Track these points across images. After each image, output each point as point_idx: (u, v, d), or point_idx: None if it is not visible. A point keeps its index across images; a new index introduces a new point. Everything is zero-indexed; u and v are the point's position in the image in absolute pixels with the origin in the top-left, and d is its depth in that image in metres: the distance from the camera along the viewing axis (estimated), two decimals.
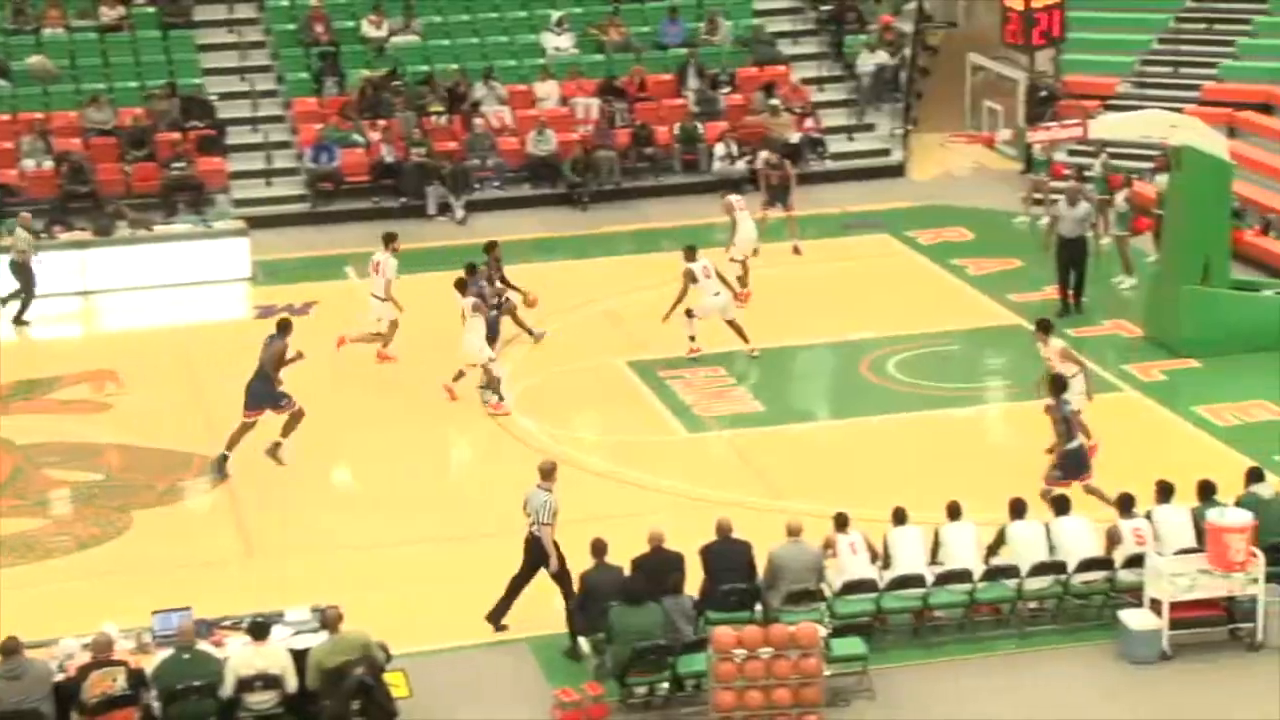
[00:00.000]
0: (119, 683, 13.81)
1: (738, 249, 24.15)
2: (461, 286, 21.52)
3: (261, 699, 14.15)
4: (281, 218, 28.57)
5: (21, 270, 24.95)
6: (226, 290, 26.04)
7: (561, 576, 15.79)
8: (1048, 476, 17.56)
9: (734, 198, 24.84)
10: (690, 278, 22.06)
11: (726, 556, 15.49)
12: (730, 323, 22.23)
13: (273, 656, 14.20)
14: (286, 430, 19.70)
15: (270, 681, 14.13)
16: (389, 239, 23.00)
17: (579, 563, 15.54)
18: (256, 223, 27.54)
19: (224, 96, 30.43)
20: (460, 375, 21.20)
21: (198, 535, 18.42)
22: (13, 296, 24.99)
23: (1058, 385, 17.97)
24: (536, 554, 15.88)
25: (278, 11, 32.12)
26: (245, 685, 14.09)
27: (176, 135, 29.08)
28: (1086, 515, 16.25)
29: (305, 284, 25.91)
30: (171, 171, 28.59)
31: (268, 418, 19.62)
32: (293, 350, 19.69)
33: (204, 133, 29.42)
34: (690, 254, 22.26)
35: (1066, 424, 17.62)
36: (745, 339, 22.25)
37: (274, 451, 19.65)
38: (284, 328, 19.92)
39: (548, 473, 16.12)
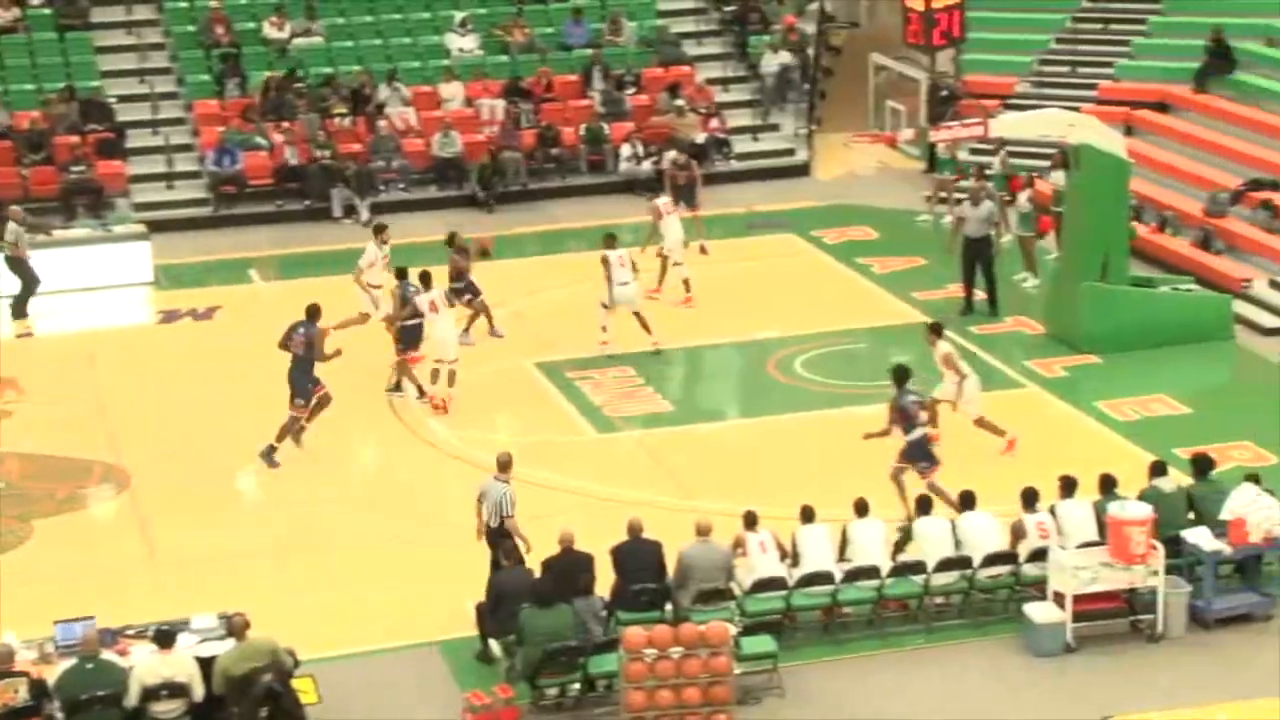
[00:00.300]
0: (20, 694, 13.60)
1: (674, 251, 24.12)
2: (426, 280, 21.43)
3: (167, 708, 13.99)
4: (183, 221, 28.26)
5: (17, 264, 24.88)
6: (128, 295, 25.72)
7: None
8: (897, 467, 17.78)
9: (660, 201, 24.85)
10: (604, 263, 22.08)
11: (637, 556, 15.52)
12: (636, 314, 22.30)
13: (179, 665, 14.05)
14: (312, 415, 19.84)
15: (176, 690, 13.97)
16: (378, 230, 23.24)
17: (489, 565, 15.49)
18: (158, 226, 27.24)
19: (123, 99, 30.07)
20: (435, 375, 21.04)
21: (101, 543, 18.20)
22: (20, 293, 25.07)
23: (900, 375, 18.06)
24: (492, 540, 15.85)
25: (177, 13, 31.77)
26: (151, 694, 13.93)
27: (75, 139, 28.68)
28: (992, 509, 16.42)
29: (209, 288, 25.66)
30: (70, 175, 28.20)
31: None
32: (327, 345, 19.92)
33: (103, 136, 29.06)
34: (609, 242, 22.38)
35: (904, 414, 17.76)
36: (649, 331, 22.32)
37: (268, 455, 19.63)
38: (313, 314, 19.92)
39: (505, 465, 16.21)
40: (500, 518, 15.98)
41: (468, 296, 22.99)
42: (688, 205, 26.11)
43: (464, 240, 23.47)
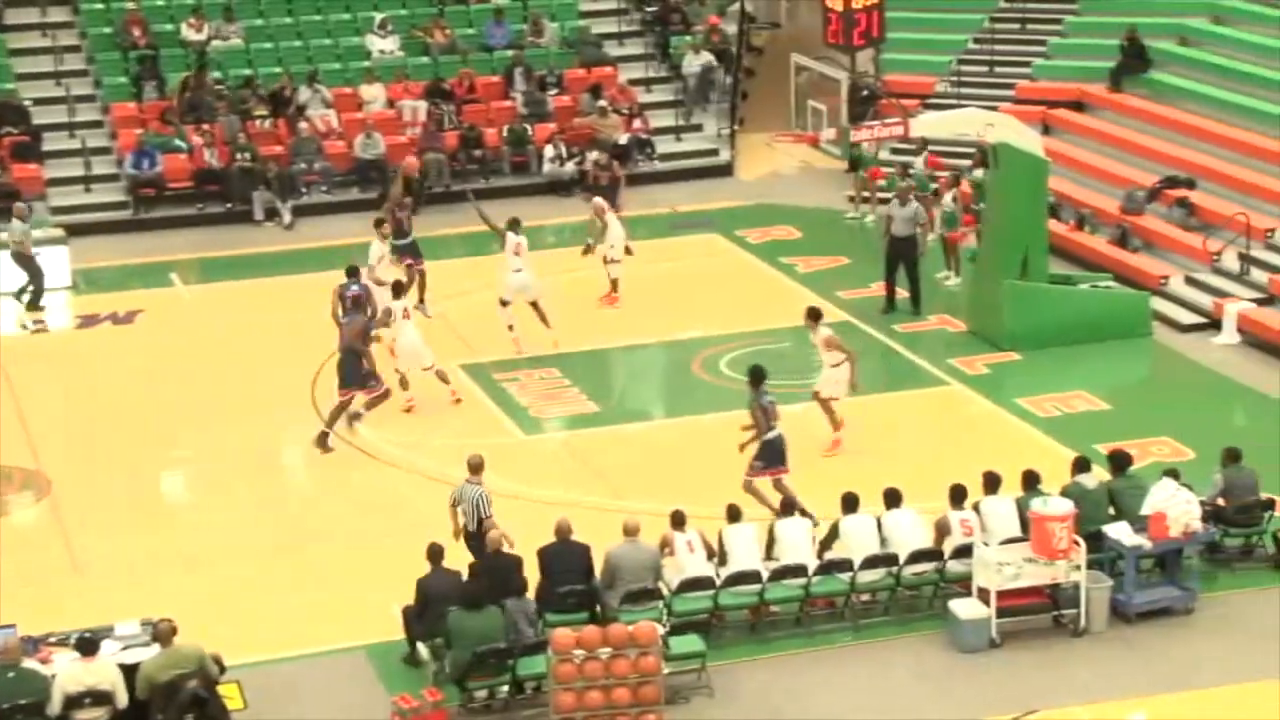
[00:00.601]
0: None
1: (614, 250, 24.15)
2: (399, 289, 21.44)
3: (91, 716, 13.86)
4: (102, 225, 27.95)
5: (24, 260, 25.00)
6: (46, 299, 25.39)
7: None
8: (750, 468, 17.82)
9: (600, 200, 24.83)
10: (501, 241, 22.13)
11: (564, 558, 15.51)
12: (534, 304, 22.33)
13: (102, 672, 13.92)
14: (371, 405, 20.01)
15: (100, 698, 13.85)
16: (378, 224, 23.28)
17: (417, 568, 15.42)
18: (76, 230, 26.96)
19: (39, 102, 29.70)
20: (404, 382, 20.94)
21: (21, 551, 17.95)
22: (24, 289, 25.12)
23: (755, 376, 18.10)
24: (478, 547, 15.85)
25: (93, 15, 31.42)
26: (74, 702, 13.80)
27: None
28: (916, 506, 16.55)
29: (129, 292, 25.41)
30: None
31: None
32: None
33: (18, 139, 28.71)
34: (512, 225, 22.52)
35: (765, 414, 17.84)
36: (547, 324, 22.34)
37: (322, 441, 19.79)
38: (358, 303, 20.22)
39: (476, 468, 16.34)
40: (479, 519, 16.02)
41: (408, 260, 22.79)
42: (611, 206, 26.11)
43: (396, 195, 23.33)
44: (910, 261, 23.78)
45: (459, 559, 15.56)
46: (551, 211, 28.51)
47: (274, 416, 21.04)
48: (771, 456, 17.74)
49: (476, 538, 15.99)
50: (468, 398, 21.47)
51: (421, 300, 23.33)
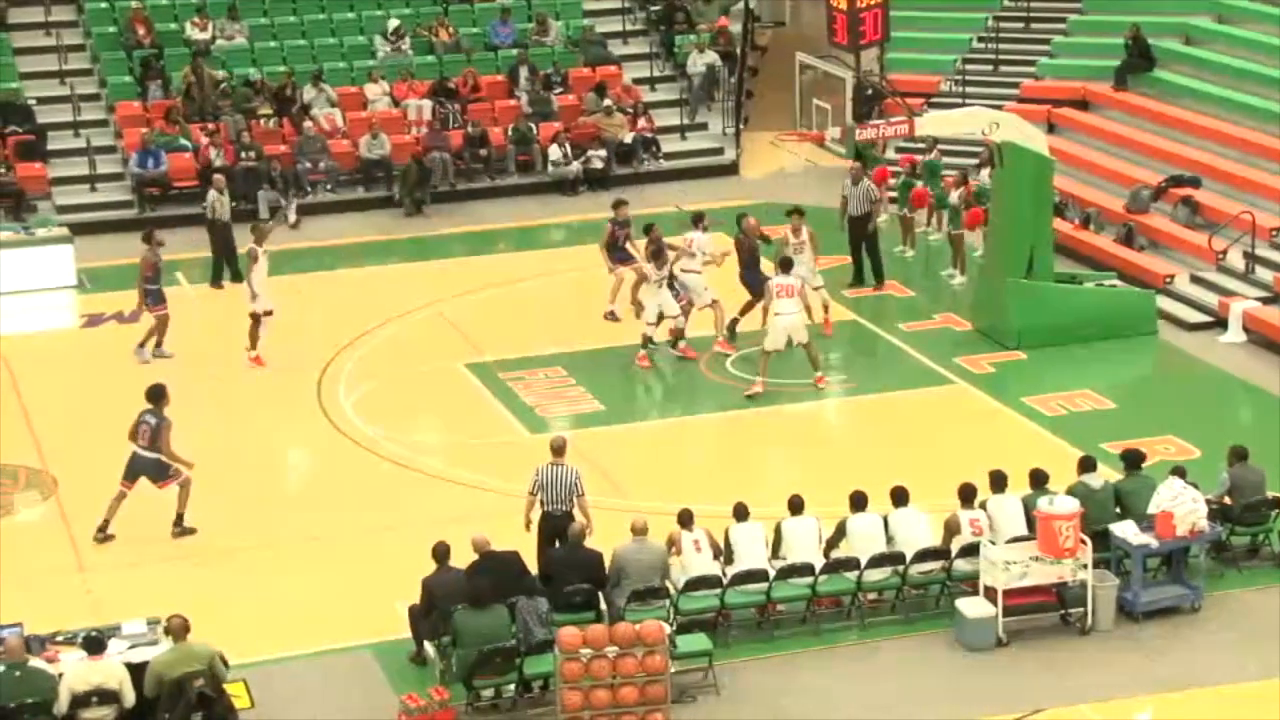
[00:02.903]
0: None
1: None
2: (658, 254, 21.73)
3: (97, 715, 13.87)
4: (107, 224, 27.94)
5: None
6: (51, 299, 25.42)
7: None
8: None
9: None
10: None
11: (574, 567, 15.49)
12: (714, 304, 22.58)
13: (109, 671, 13.93)
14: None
15: (106, 697, 13.85)
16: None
17: (423, 567, 15.42)
18: (81, 229, 26.98)
19: (43, 101, 29.70)
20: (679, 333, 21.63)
21: (28, 549, 17.96)
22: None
23: (153, 396, 18.12)
24: (555, 529, 15.96)
25: (97, 14, 31.42)
26: (81, 701, 13.81)
27: None
28: (922, 505, 16.53)
29: (134, 291, 25.33)
30: None
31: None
32: None
33: (23, 138, 28.71)
34: (697, 220, 22.92)
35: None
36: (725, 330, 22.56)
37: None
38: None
39: (561, 449, 16.49)
40: (574, 499, 16.17)
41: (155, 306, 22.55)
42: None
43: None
44: (870, 238, 24.69)
45: (463, 558, 15.53)
46: (556, 210, 28.53)
47: (280, 415, 21.04)
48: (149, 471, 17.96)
49: (566, 519, 16.05)
50: (472, 397, 21.47)
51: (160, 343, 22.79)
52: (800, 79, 32.86)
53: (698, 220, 23.04)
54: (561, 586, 15.37)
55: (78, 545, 17.97)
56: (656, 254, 21.97)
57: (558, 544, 15.89)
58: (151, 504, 18.98)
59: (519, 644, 14.64)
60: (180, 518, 18.12)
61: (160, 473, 17.98)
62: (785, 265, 21.45)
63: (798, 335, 20.94)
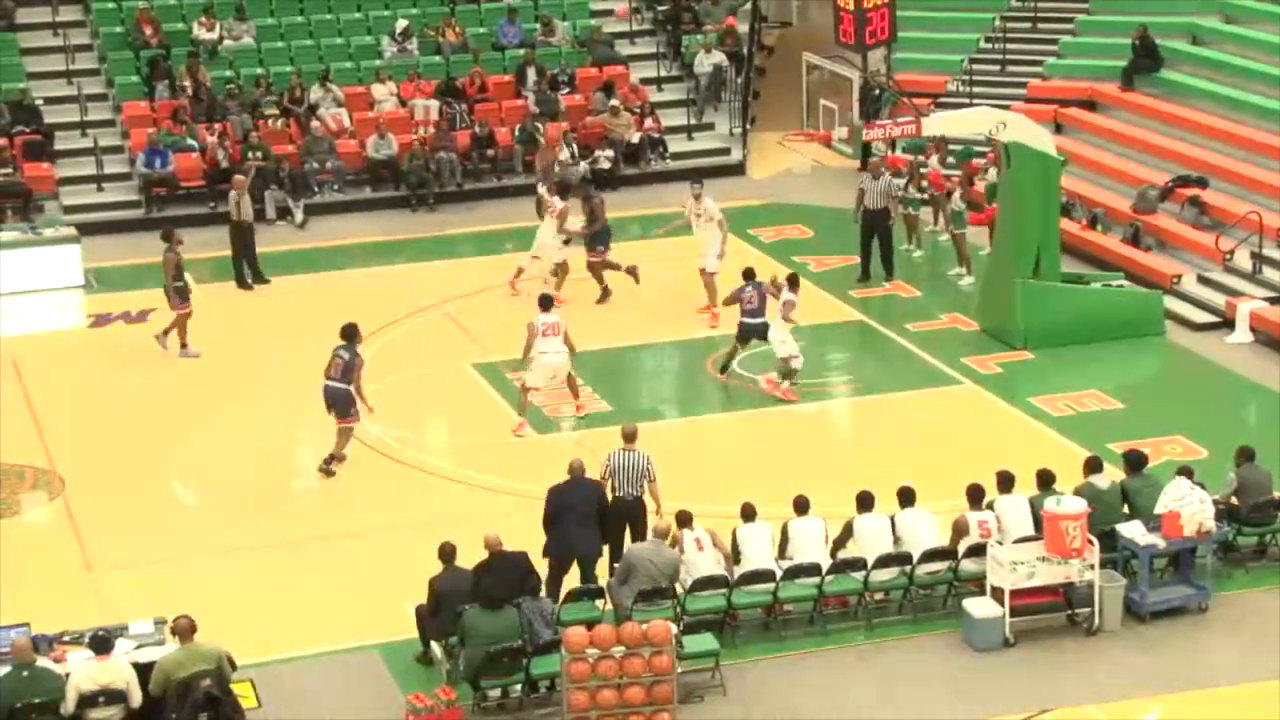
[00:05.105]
0: None
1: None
2: (794, 283, 21.53)
3: (105, 715, 13.86)
4: (114, 224, 27.97)
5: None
6: (59, 299, 25.45)
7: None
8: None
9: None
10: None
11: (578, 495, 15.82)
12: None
13: (116, 671, 13.93)
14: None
15: (114, 697, 13.86)
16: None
17: (430, 567, 15.42)
18: (88, 229, 26.99)
19: (50, 101, 29.72)
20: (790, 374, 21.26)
21: (34, 549, 17.98)
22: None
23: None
24: (632, 513, 16.27)
25: (104, 14, 31.44)
26: (88, 701, 13.80)
27: (2, 141, 28.32)
28: (929, 505, 16.53)
29: (141, 291, 25.39)
30: None
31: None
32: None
33: (30, 138, 28.73)
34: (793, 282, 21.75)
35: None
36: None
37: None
38: None
39: (631, 435, 16.77)
40: (645, 484, 16.42)
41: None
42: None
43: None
44: (884, 232, 24.79)
45: (472, 558, 15.53)
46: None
47: (287, 415, 21.04)
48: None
49: (637, 505, 16.36)
50: (479, 396, 21.48)
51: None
52: (807, 79, 32.92)
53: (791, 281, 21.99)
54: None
55: (85, 545, 17.98)
56: (562, 190, 23.64)
57: (628, 531, 16.30)
58: (155, 505, 19.01)
59: (525, 644, 14.64)
60: (332, 458, 19.22)
61: (346, 407, 19.13)
62: (545, 304, 20.73)
63: (561, 374, 20.62)
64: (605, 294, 24.25)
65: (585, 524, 15.98)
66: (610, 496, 16.47)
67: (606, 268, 24.37)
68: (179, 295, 22.63)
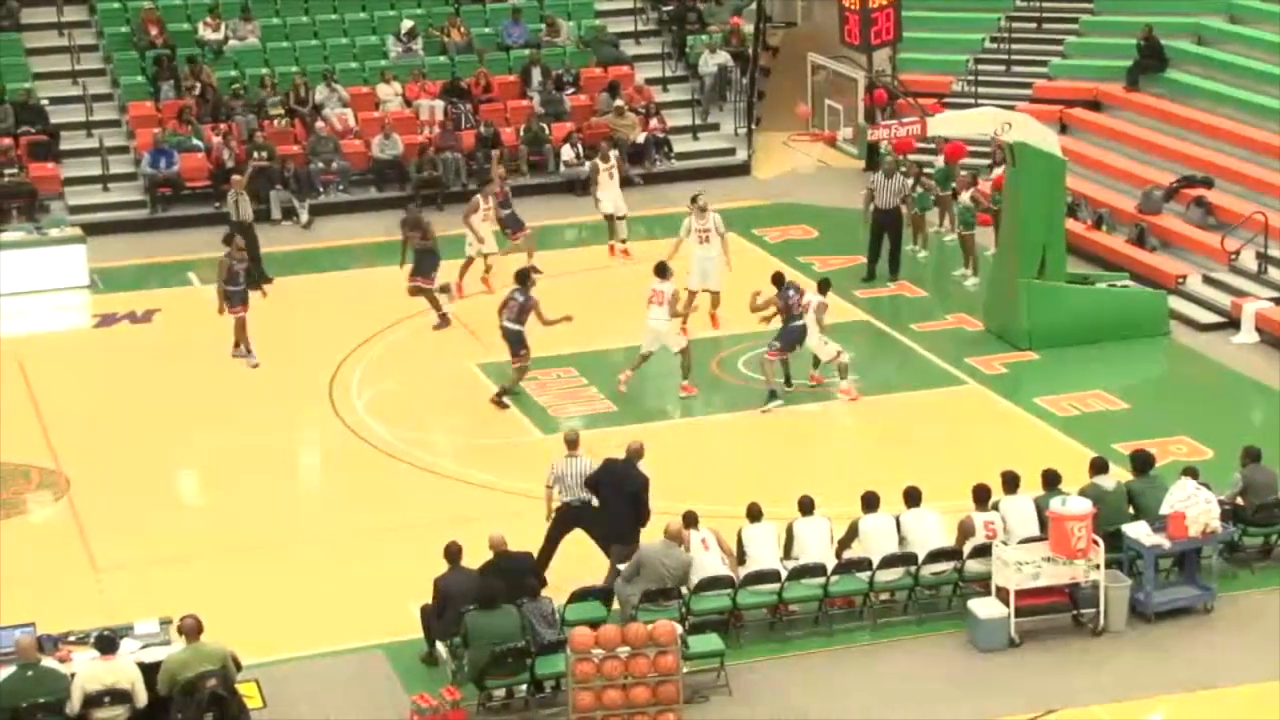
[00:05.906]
0: None
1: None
2: (825, 287, 21.57)
3: (110, 714, 13.88)
4: (120, 224, 28.00)
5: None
6: (64, 299, 25.47)
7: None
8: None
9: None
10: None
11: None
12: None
13: (121, 671, 13.94)
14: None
15: (119, 697, 13.87)
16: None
17: (435, 567, 15.43)
18: (94, 229, 27.01)
19: (56, 101, 29.76)
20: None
21: (39, 549, 18.01)
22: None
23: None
24: (581, 518, 16.48)
25: (110, 14, 31.47)
26: (93, 701, 13.82)
27: (7, 141, 28.36)
28: (934, 505, 16.52)
29: (146, 291, 25.47)
30: (3, 178, 27.88)
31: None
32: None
33: (36, 138, 28.77)
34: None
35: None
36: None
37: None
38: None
39: (575, 442, 16.97)
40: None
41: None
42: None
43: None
44: (894, 232, 24.77)
45: (476, 558, 15.54)
46: (568, 211, 28.52)
47: (291, 415, 21.06)
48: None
49: (576, 509, 16.46)
50: (483, 396, 21.46)
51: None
52: (812, 79, 32.92)
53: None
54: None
55: (90, 545, 17.99)
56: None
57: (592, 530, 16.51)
58: (160, 505, 19.03)
59: (529, 644, 14.64)
60: (504, 390, 20.70)
61: (517, 346, 20.62)
62: (661, 271, 21.01)
63: (661, 342, 21.10)
64: (443, 320, 23.57)
65: (615, 505, 16.28)
66: (558, 502, 16.64)
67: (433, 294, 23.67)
68: (227, 300, 22.39)
